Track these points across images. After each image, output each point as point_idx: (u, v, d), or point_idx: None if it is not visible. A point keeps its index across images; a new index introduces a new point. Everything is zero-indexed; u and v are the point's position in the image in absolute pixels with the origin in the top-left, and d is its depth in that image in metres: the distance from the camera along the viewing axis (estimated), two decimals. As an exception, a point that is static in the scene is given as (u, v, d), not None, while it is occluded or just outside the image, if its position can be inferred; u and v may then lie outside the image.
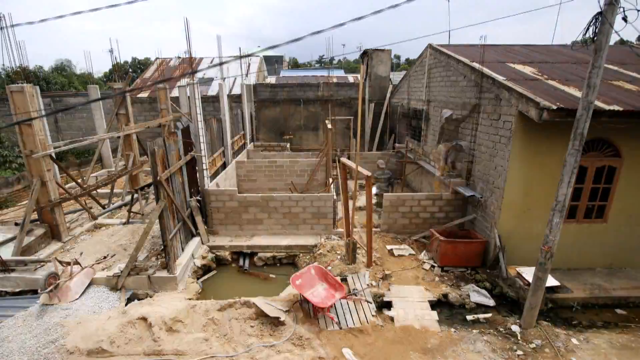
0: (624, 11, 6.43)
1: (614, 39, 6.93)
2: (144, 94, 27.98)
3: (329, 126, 17.56)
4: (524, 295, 9.59)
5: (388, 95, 26.37)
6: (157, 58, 35.52)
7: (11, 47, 11.77)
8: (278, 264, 13.13)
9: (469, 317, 9.60)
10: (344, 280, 10.97)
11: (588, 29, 6.81)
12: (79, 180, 15.81)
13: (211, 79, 30.11)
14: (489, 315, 9.70)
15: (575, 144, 7.48)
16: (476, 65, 12.45)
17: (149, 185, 17.68)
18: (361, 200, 16.86)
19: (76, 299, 9.86)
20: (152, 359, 8.01)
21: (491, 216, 11.56)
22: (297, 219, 13.78)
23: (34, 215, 12.66)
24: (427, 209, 13.48)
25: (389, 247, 12.74)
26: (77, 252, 12.20)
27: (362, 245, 12.13)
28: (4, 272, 10.58)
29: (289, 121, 28.69)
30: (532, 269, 8.98)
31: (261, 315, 9.14)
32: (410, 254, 12.37)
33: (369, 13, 6.90)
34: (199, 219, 13.03)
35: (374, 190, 17.64)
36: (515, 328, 8.99)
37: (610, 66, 13.18)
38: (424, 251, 12.57)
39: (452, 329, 9.15)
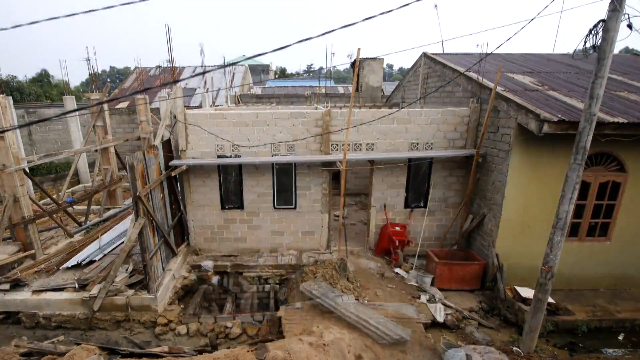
0: (628, 18, 6.43)
1: (617, 47, 6.93)
2: (122, 105, 27.79)
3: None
4: (523, 317, 9.52)
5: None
6: (136, 67, 35.23)
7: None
8: (265, 285, 12.92)
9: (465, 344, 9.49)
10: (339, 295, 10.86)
11: (590, 37, 6.82)
12: (54, 196, 15.61)
13: (193, 90, 30.03)
14: (487, 338, 9.63)
15: (577, 158, 7.45)
16: (473, 75, 12.45)
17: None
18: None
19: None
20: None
21: (489, 234, 11.49)
22: (283, 237, 13.69)
23: (7, 233, 12.46)
24: (422, 228, 13.41)
25: (380, 267, 12.62)
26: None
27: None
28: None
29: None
30: (532, 290, 8.92)
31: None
32: (404, 274, 12.25)
33: (360, 20, 6.85)
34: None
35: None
36: (515, 350, 8.91)
37: (614, 76, 13.25)
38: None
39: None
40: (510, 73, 13.39)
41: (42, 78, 53.07)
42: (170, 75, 11.44)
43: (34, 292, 10.79)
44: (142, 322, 10.49)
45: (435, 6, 10.96)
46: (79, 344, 8.69)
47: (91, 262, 12.14)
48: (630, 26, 6.47)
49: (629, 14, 6.42)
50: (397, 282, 11.85)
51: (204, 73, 8.15)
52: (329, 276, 11.27)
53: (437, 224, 13.41)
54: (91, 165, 23.13)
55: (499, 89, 11.05)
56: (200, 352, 8.85)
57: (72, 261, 12.16)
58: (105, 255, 12.63)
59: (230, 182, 13.10)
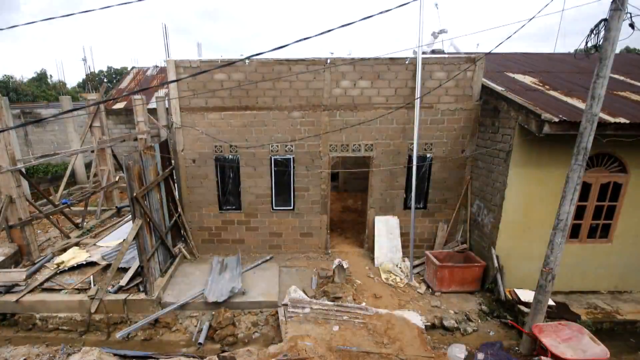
0: (630, 17, 6.41)
1: (618, 47, 6.90)
2: (119, 105, 27.70)
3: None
4: (523, 319, 9.50)
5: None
6: (133, 67, 35.14)
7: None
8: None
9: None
10: (338, 298, 10.86)
11: (592, 36, 6.80)
12: (51, 197, 15.57)
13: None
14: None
15: (579, 159, 7.44)
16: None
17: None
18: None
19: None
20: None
21: (489, 236, 11.48)
22: (282, 239, 13.69)
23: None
24: (422, 230, 13.41)
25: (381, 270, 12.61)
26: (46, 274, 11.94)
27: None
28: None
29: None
30: (532, 293, 8.90)
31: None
32: (402, 277, 12.23)
33: (358, 19, 6.85)
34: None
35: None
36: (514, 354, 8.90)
37: (616, 76, 13.19)
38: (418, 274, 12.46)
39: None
40: (510, 72, 13.35)
41: (41, 78, 52.93)
42: (167, 75, 11.42)
43: (31, 293, 10.77)
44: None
45: (436, 5, 10.93)
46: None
47: (90, 263, 12.11)
48: (632, 25, 6.45)
49: (631, 13, 6.40)
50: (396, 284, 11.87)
51: (201, 73, 8.14)
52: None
53: (436, 225, 13.38)
54: (88, 166, 23.05)
55: (499, 88, 11.03)
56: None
57: (71, 262, 12.13)
58: (103, 256, 12.59)
59: (228, 183, 13.07)
